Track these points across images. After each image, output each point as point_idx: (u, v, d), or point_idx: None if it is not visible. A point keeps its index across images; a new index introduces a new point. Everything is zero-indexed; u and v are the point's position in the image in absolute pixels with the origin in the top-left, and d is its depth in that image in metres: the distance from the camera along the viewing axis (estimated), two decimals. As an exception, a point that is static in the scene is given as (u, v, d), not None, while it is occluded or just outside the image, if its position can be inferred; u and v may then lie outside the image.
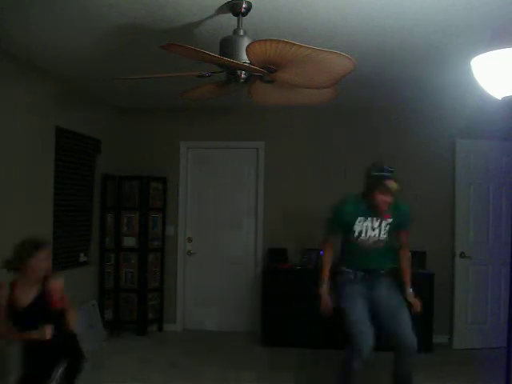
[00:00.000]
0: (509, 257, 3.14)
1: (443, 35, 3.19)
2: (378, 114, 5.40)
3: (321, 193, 5.26)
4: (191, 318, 5.79)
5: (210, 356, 4.79)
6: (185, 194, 5.81)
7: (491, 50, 2.10)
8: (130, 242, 5.52)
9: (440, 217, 5.27)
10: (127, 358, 4.61)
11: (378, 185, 3.12)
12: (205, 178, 5.81)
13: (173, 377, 4.16)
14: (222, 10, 2.79)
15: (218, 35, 2.77)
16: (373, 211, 3.22)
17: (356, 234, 3.25)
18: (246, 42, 2.53)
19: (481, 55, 2.16)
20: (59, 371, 2.91)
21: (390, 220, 3.26)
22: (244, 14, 2.73)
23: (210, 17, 2.92)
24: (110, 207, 5.48)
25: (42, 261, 2.84)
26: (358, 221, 3.23)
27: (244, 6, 2.69)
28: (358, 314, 3.16)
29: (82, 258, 5.11)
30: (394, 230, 3.32)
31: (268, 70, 2.49)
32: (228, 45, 2.65)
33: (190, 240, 5.81)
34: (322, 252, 3.57)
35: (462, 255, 5.11)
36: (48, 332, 2.76)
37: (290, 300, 4.98)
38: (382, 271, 3.35)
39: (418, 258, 5.17)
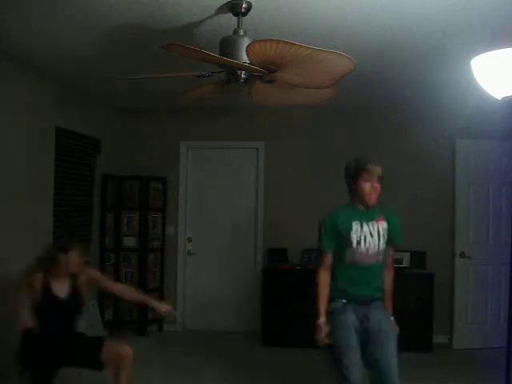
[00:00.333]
0: (509, 257, 3.14)
1: (443, 35, 3.19)
2: (378, 114, 5.40)
3: (321, 193, 5.26)
4: (191, 318, 5.79)
5: (210, 356, 4.78)
6: (185, 194, 5.81)
7: (491, 49, 2.10)
8: (130, 242, 5.52)
9: (440, 217, 5.27)
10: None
11: (360, 171, 2.80)
12: (205, 178, 5.81)
13: (173, 377, 4.16)
14: (221, 9, 2.79)
15: (217, 35, 2.77)
16: (365, 213, 2.83)
17: (354, 244, 2.78)
18: (246, 42, 2.53)
19: (481, 55, 2.16)
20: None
21: (385, 225, 2.86)
22: (244, 14, 2.73)
23: (210, 17, 2.92)
24: (110, 207, 5.48)
25: (72, 260, 3.05)
26: (354, 227, 2.79)
27: (244, 5, 2.68)
28: (349, 343, 2.73)
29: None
30: (388, 241, 2.90)
31: (268, 70, 2.49)
32: (228, 45, 2.65)
33: (189, 240, 5.81)
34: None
35: (462, 255, 5.11)
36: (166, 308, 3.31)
37: (290, 300, 4.98)
38: (378, 297, 2.87)
39: (418, 257, 5.18)
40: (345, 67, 2.43)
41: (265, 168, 5.66)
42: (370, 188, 2.78)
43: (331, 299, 2.84)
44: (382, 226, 2.85)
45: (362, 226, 2.80)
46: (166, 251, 5.73)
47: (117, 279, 5.48)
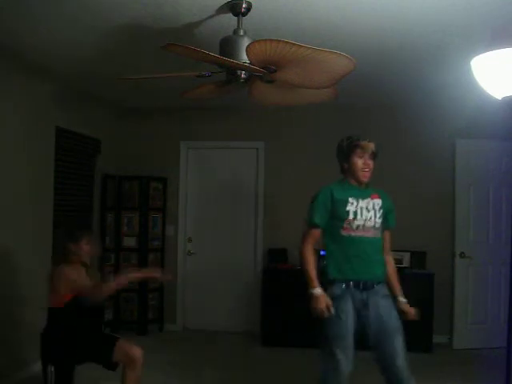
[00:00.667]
0: (509, 257, 3.14)
1: (443, 35, 3.19)
2: (378, 114, 5.40)
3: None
4: (191, 318, 5.79)
5: (209, 356, 4.79)
6: (185, 194, 5.81)
7: (491, 49, 2.10)
8: (130, 242, 5.52)
9: (440, 217, 5.27)
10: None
11: (352, 147, 2.73)
12: (205, 178, 5.81)
13: (173, 377, 4.16)
14: (222, 9, 2.79)
15: (218, 35, 2.77)
16: (358, 189, 2.77)
17: (351, 215, 2.68)
18: (246, 42, 2.53)
19: (481, 55, 2.16)
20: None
21: (380, 201, 2.79)
22: (244, 14, 2.74)
23: (210, 17, 2.92)
24: (110, 207, 5.48)
25: (84, 246, 3.08)
26: (349, 200, 2.71)
27: (244, 5, 2.69)
28: (345, 328, 2.61)
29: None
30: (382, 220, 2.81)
31: (268, 70, 2.50)
32: (228, 45, 2.66)
33: (190, 240, 5.81)
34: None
35: (462, 255, 5.11)
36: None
37: (290, 300, 4.98)
38: (380, 279, 2.75)
39: (418, 257, 5.18)
40: (345, 67, 2.43)
41: (265, 168, 5.66)
42: (363, 164, 2.74)
43: (330, 282, 2.70)
44: (377, 202, 2.79)
45: (357, 201, 2.73)
46: (165, 251, 5.73)
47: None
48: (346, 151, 2.78)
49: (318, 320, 2.64)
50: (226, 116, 5.60)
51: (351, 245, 2.72)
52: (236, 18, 2.75)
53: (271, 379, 4.20)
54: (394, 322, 2.68)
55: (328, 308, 2.60)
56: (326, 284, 2.71)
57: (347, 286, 2.67)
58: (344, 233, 2.72)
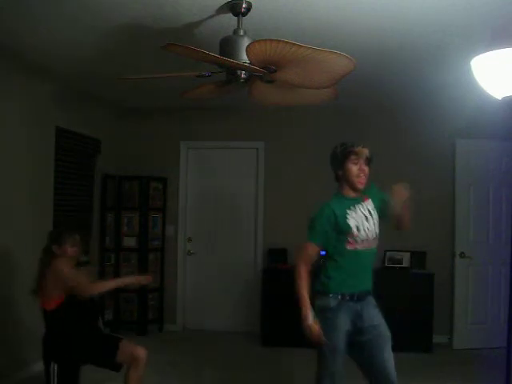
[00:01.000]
0: (509, 257, 3.14)
1: (443, 35, 3.19)
2: (378, 114, 5.40)
3: (321, 193, 5.24)
4: (191, 318, 5.79)
5: (210, 356, 4.79)
6: (185, 194, 5.81)
7: (491, 49, 2.10)
8: (130, 242, 5.52)
9: (440, 217, 5.27)
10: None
11: (347, 154, 2.68)
12: (205, 178, 5.81)
13: (173, 377, 4.16)
14: (222, 9, 2.80)
15: (218, 35, 2.77)
16: (354, 199, 2.74)
17: (354, 229, 2.64)
18: (246, 42, 2.53)
19: (481, 55, 2.16)
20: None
21: (371, 203, 2.78)
22: (244, 14, 2.74)
23: (210, 17, 2.92)
24: (110, 207, 5.48)
25: (69, 249, 3.04)
26: (348, 214, 2.67)
27: (244, 5, 2.69)
28: (339, 348, 2.60)
29: (82, 257, 5.10)
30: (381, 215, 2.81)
31: (268, 70, 2.49)
32: (228, 45, 2.66)
33: (190, 240, 5.81)
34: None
35: (462, 255, 5.11)
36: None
37: (290, 300, 4.95)
38: (370, 291, 2.75)
39: (418, 257, 5.18)
40: (345, 67, 2.43)
41: (265, 168, 5.66)
42: (358, 170, 2.69)
43: (324, 293, 2.67)
44: (370, 205, 2.77)
45: (355, 212, 2.70)
46: (166, 251, 5.73)
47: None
48: (340, 158, 2.73)
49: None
50: (226, 116, 5.60)
51: (355, 259, 2.69)
52: (236, 17, 2.75)
53: (271, 379, 4.20)
54: (386, 331, 2.68)
55: (320, 337, 2.57)
56: (320, 293, 2.68)
57: (343, 297, 2.64)
58: (349, 247, 2.67)
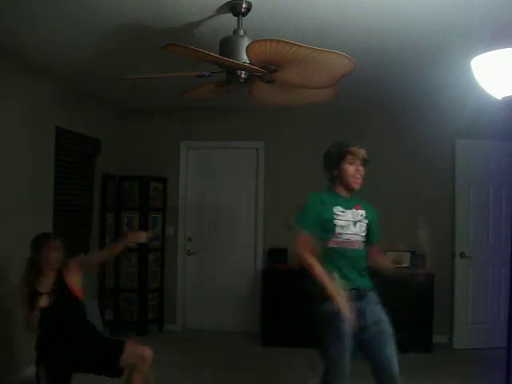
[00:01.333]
0: (509, 257, 3.14)
1: (443, 35, 3.19)
2: (378, 114, 5.40)
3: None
4: (191, 318, 5.79)
5: (210, 356, 4.79)
6: (185, 194, 5.81)
7: (491, 49, 2.10)
8: (129, 242, 5.51)
9: (440, 217, 5.27)
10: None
11: (343, 153, 2.65)
12: (205, 178, 5.81)
13: (173, 377, 4.15)
14: (222, 9, 2.80)
15: (218, 35, 2.77)
16: (346, 199, 2.71)
17: (339, 230, 2.61)
18: (246, 42, 2.53)
19: (481, 55, 2.16)
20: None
21: (363, 212, 2.73)
22: (244, 14, 2.74)
23: (210, 17, 2.92)
24: (110, 207, 5.48)
25: (51, 252, 3.03)
26: (337, 213, 2.64)
27: (244, 5, 2.69)
28: (344, 355, 2.56)
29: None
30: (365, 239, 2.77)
31: (268, 70, 2.50)
32: (228, 45, 2.66)
33: (190, 240, 5.81)
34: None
35: (462, 255, 5.11)
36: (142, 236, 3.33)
37: (290, 300, 4.97)
38: (370, 286, 2.73)
39: (418, 258, 5.17)
40: (345, 67, 2.43)
41: (265, 168, 5.66)
42: (354, 171, 2.68)
43: (326, 297, 2.52)
44: (361, 213, 2.74)
45: (344, 213, 2.67)
46: (166, 251, 5.73)
47: (117, 279, 5.50)
48: (336, 158, 2.70)
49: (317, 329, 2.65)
50: (226, 116, 5.60)
51: (341, 257, 2.64)
52: (236, 17, 2.75)
53: (271, 379, 4.20)
54: (388, 328, 2.67)
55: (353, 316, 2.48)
56: (321, 298, 2.54)
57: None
58: (333, 246, 2.63)
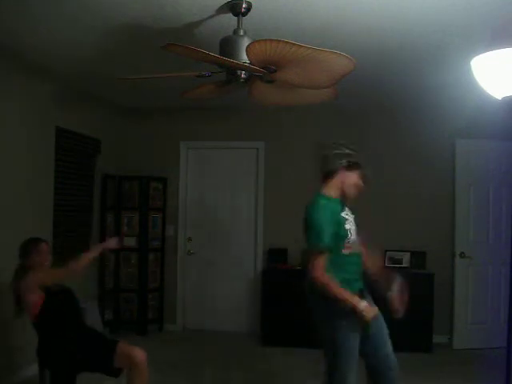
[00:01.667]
0: (509, 257, 3.14)
1: (443, 35, 3.19)
2: (378, 114, 5.40)
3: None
4: (191, 318, 5.79)
5: (210, 356, 4.79)
6: (185, 194, 5.81)
7: (491, 49, 2.10)
8: (129, 241, 5.51)
9: (440, 217, 5.27)
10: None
11: (357, 166, 2.63)
12: (205, 178, 5.81)
13: (173, 377, 4.16)
14: (222, 9, 2.80)
15: (218, 35, 2.77)
16: (341, 202, 2.71)
17: (348, 234, 2.63)
18: (246, 42, 2.53)
19: (481, 55, 2.15)
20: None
21: (349, 212, 2.75)
22: (244, 14, 2.74)
23: (210, 17, 2.92)
24: (110, 207, 5.48)
25: (40, 255, 3.04)
26: (345, 217, 2.66)
27: (244, 5, 2.69)
28: (354, 364, 2.59)
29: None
30: None
31: (268, 70, 2.49)
32: (228, 45, 2.66)
33: (190, 240, 5.81)
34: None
35: (462, 255, 5.11)
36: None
37: (290, 300, 4.97)
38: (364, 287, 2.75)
39: (418, 257, 5.18)
40: (345, 67, 2.43)
41: (265, 168, 5.66)
42: (360, 186, 2.70)
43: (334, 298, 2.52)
44: (349, 214, 2.75)
45: (347, 215, 2.70)
46: (166, 251, 5.73)
47: (117, 279, 5.50)
48: (347, 164, 2.65)
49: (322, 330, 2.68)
50: (225, 116, 5.60)
51: (352, 262, 2.66)
52: (236, 17, 2.75)
53: (271, 379, 4.20)
54: (385, 326, 2.74)
55: (376, 312, 2.56)
56: (330, 299, 2.52)
57: None
58: (345, 252, 2.62)
